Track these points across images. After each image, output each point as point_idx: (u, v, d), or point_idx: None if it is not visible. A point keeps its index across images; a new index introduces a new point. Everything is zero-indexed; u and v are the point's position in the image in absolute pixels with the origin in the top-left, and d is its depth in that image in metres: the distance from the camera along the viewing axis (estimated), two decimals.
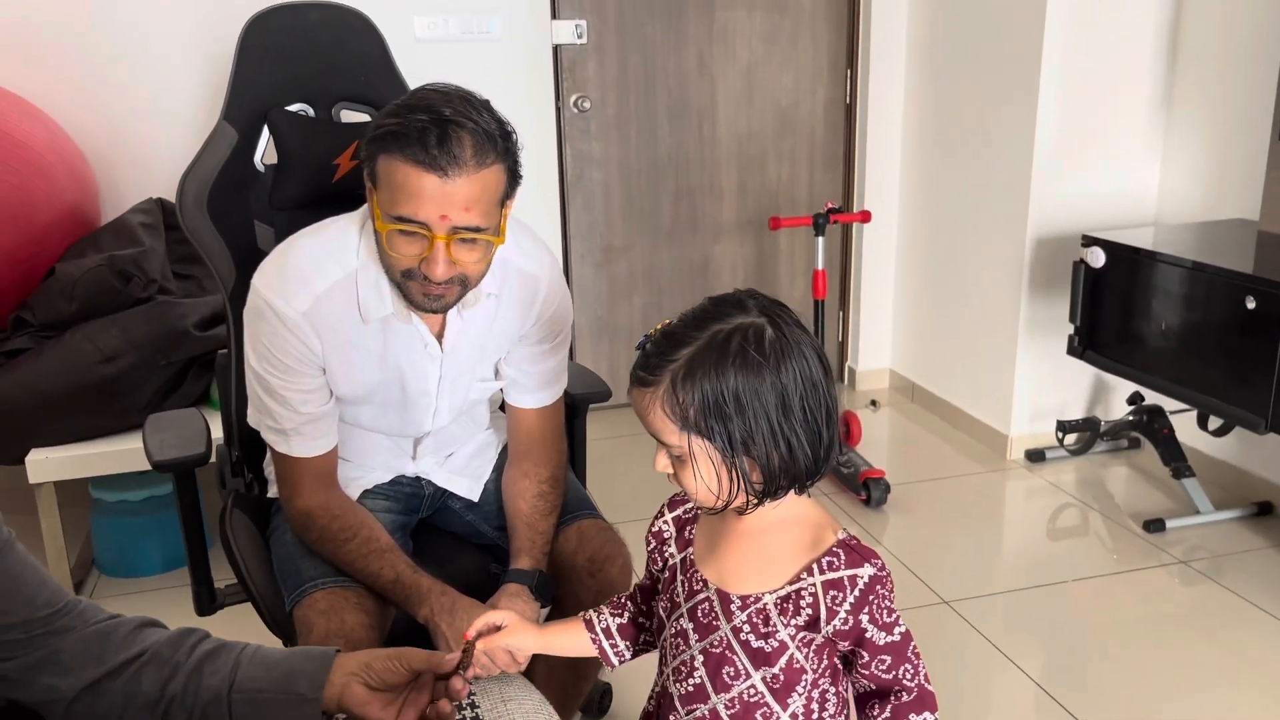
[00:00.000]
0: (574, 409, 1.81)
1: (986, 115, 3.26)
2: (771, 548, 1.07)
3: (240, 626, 1.77)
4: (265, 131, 1.79)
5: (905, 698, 1.07)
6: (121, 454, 2.41)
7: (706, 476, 1.01)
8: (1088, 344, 2.88)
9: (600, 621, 1.24)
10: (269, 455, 1.70)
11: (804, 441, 1.01)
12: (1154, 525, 2.76)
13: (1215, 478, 3.01)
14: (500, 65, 3.30)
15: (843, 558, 1.04)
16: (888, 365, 3.98)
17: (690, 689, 1.09)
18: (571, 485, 1.67)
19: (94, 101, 2.98)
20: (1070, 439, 3.22)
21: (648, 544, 1.19)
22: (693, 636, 1.10)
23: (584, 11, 3.42)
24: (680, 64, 3.57)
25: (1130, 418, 3.04)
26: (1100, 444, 3.22)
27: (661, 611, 1.16)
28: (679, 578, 1.13)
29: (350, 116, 1.87)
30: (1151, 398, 3.01)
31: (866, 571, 1.04)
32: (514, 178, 1.37)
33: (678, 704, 1.11)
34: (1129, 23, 3.02)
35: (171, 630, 1.13)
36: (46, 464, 2.38)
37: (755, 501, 1.04)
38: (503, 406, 1.73)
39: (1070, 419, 3.19)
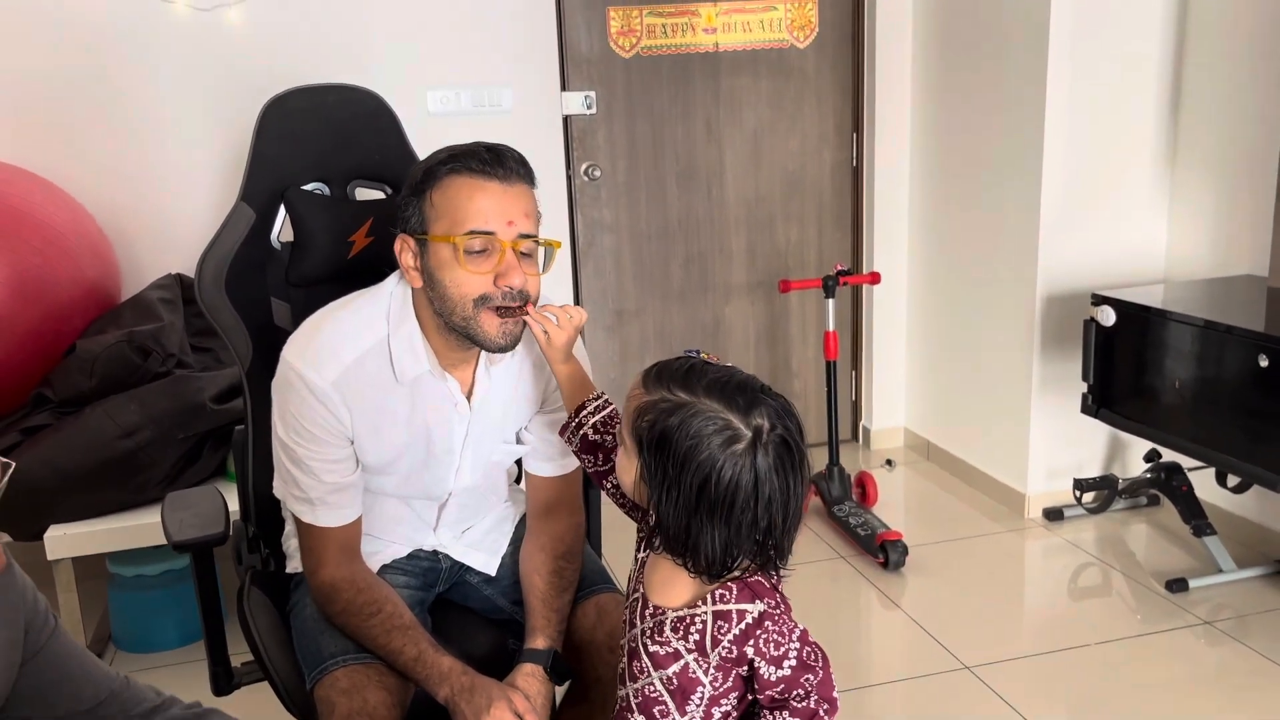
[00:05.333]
0: (590, 479, 1.81)
1: (992, 175, 3.29)
2: (684, 570, 1.15)
3: (258, 705, 1.76)
4: (282, 210, 1.82)
5: (801, 704, 1.14)
6: (139, 529, 2.42)
7: (625, 470, 1.17)
8: (1102, 402, 2.87)
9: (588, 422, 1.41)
10: (288, 529, 1.71)
11: (703, 526, 1.09)
12: (1177, 585, 2.73)
13: (1236, 535, 2.98)
14: (512, 137, 3.29)
15: (734, 592, 1.12)
16: (902, 424, 3.97)
17: (620, 670, 1.23)
18: (589, 559, 1.67)
19: (115, 180, 3.04)
20: (1088, 497, 3.20)
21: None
22: (627, 626, 1.23)
23: (593, 82, 3.49)
24: (688, 131, 3.63)
25: (1148, 475, 3.02)
26: (1119, 502, 3.20)
27: None
28: (637, 570, 1.27)
29: (364, 194, 1.90)
30: (1169, 454, 2.99)
31: (756, 608, 1.11)
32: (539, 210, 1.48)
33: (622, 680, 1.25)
34: (1131, 80, 3.06)
35: None
36: (65, 540, 2.39)
37: (654, 535, 1.15)
38: (518, 480, 1.74)
39: (1087, 477, 3.17)
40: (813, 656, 1.13)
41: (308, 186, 1.84)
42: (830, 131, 3.76)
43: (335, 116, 1.87)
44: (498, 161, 1.40)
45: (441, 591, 1.70)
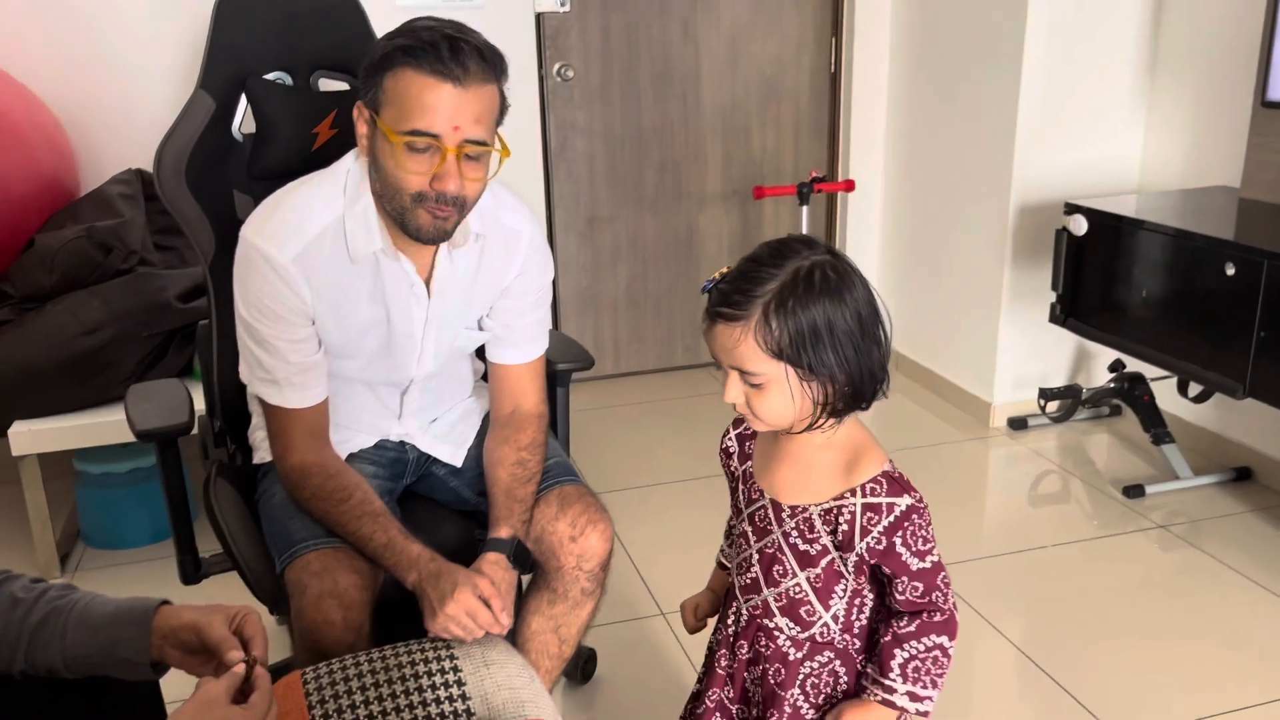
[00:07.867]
0: (556, 378, 1.81)
1: (970, 83, 3.25)
2: (817, 467, 1.20)
3: (227, 595, 1.78)
4: (243, 100, 1.78)
5: (933, 618, 1.18)
6: (105, 426, 2.41)
7: (782, 401, 1.12)
8: (1070, 312, 2.89)
9: None
10: (254, 421, 1.70)
11: (873, 361, 1.12)
12: (1134, 491, 2.79)
13: (1195, 444, 3.04)
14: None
15: (884, 487, 1.16)
16: None
17: (748, 582, 1.26)
18: (554, 451, 1.68)
19: (71, 70, 2.94)
20: (1052, 406, 3.25)
21: (721, 458, 1.33)
22: (752, 538, 1.25)
23: None
24: (664, 32, 3.55)
25: (1111, 385, 3.06)
26: (1082, 411, 3.25)
27: (732, 513, 1.33)
28: (740, 487, 1.30)
29: (328, 85, 1.85)
30: (1133, 365, 3.03)
31: (904, 501, 1.15)
32: (504, 104, 1.42)
33: (739, 593, 1.28)
34: None
35: (4, 599, 1.13)
36: (30, 436, 2.37)
37: (822, 421, 1.14)
38: (485, 376, 1.73)
39: (1052, 386, 3.21)
40: (942, 561, 1.18)
41: (269, 76, 1.79)
42: (809, 36, 3.69)
43: (296, 4, 1.81)
44: (456, 59, 1.32)
45: (409, 484, 1.72)
